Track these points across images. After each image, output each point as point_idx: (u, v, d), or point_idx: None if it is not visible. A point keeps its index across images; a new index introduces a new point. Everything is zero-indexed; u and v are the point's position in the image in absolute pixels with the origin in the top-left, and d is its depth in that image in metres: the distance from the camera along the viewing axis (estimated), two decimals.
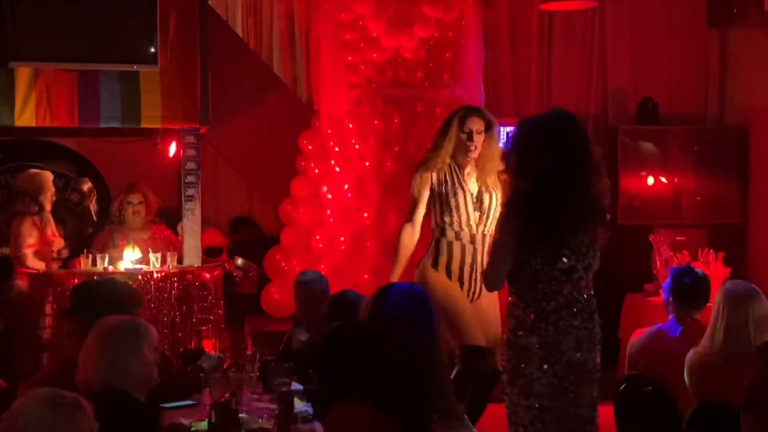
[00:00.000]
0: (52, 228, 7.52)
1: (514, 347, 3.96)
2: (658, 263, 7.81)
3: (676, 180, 9.17)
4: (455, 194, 5.83)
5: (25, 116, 7.29)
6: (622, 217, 9.00)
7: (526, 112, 9.41)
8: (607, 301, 8.49)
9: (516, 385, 3.94)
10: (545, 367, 3.85)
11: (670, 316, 4.81)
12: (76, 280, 7.01)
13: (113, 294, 4.11)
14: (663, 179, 9.11)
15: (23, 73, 7.24)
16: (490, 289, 4.41)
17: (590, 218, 3.94)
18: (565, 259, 3.90)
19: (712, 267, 7.36)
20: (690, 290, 4.74)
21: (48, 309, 7.05)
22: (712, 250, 7.61)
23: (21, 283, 7.15)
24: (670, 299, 4.78)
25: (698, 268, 6.24)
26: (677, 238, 8.20)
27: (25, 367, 6.71)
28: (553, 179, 3.86)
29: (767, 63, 8.57)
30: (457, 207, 5.80)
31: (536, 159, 3.91)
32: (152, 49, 7.20)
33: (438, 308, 4.76)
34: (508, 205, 4.07)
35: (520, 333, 3.95)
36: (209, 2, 7.95)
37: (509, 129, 9.07)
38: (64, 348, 5.73)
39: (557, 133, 3.94)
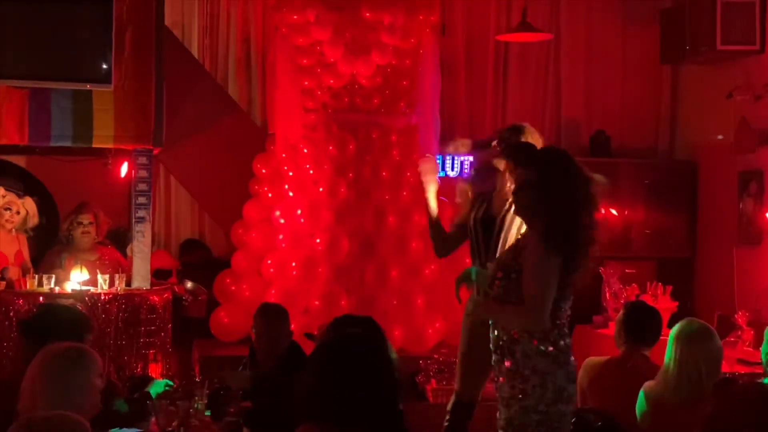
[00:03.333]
0: None
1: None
2: (607, 295, 7.86)
3: (626, 212, 9.26)
4: None
5: None
6: None
7: (480, 139, 9.46)
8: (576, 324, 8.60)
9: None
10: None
11: (621, 350, 4.82)
12: (21, 301, 6.91)
13: (72, 320, 4.05)
14: (614, 211, 9.18)
15: None
16: (537, 327, 3.99)
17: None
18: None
19: (661, 300, 7.41)
20: (643, 325, 4.76)
21: None
22: (660, 284, 7.67)
23: None
24: (622, 333, 4.80)
25: (646, 300, 6.30)
26: (626, 270, 8.27)
27: None
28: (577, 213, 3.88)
29: (718, 99, 8.70)
30: None
31: (571, 190, 3.88)
32: (106, 68, 7.12)
33: None
34: (552, 229, 3.90)
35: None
36: (166, 23, 7.89)
37: (463, 158, 9.14)
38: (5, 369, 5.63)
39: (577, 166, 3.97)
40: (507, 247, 4.43)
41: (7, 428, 2.80)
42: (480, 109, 9.58)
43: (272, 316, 5.25)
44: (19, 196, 7.67)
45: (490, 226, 5.29)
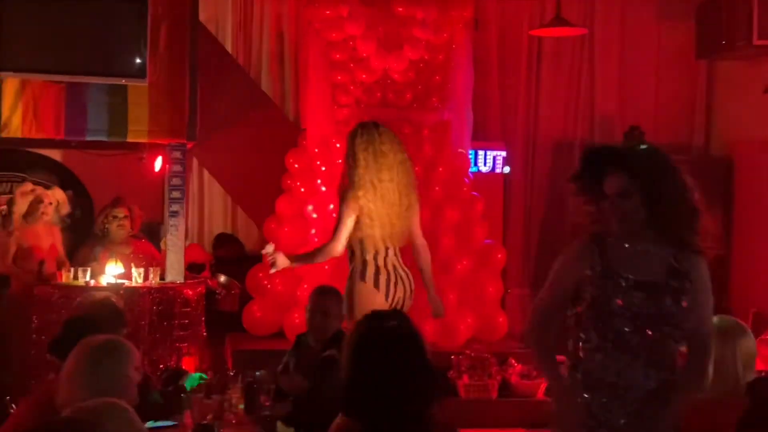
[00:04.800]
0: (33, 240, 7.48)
1: None
2: None
3: None
4: None
5: (11, 127, 7.23)
6: None
7: (512, 136, 9.46)
8: None
9: None
10: None
11: None
12: (57, 294, 6.97)
13: (106, 314, 4.08)
14: None
15: (10, 84, 7.19)
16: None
17: None
18: None
19: None
20: None
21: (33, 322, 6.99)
22: None
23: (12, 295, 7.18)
24: None
25: None
26: None
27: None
28: None
29: (754, 95, 8.62)
30: None
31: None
32: (141, 63, 7.16)
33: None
34: None
35: None
36: (200, 18, 7.93)
37: (495, 153, 9.13)
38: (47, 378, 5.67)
39: None
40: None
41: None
42: (512, 104, 9.56)
43: (327, 293, 5.27)
44: (48, 187, 7.74)
45: None
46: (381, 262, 5.82)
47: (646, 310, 3.42)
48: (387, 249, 5.86)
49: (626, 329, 3.41)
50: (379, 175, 5.78)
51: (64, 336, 4.04)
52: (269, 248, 5.91)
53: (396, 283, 5.86)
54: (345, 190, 5.80)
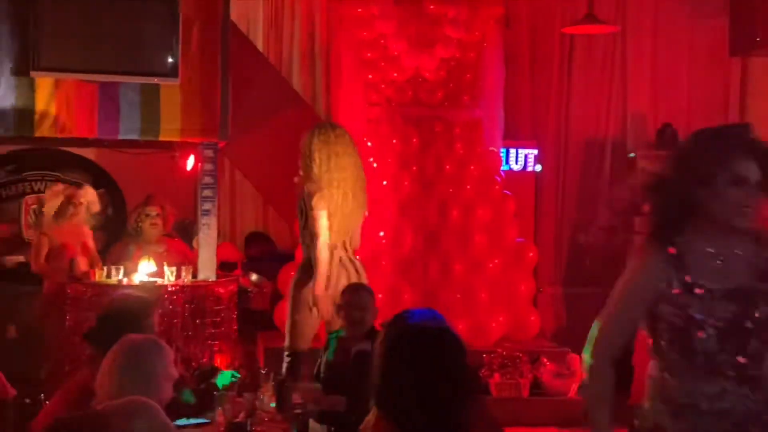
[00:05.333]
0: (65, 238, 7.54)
1: None
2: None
3: None
4: None
5: (45, 126, 7.28)
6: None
7: (543, 134, 9.43)
8: None
9: None
10: None
11: None
12: (90, 292, 7.01)
13: (139, 310, 4.09)
14: None
15: (44, 83, 7.24)
16: None
17: None
18: None
19: None
20: None
21: (66, 320, 7.05)
22: None
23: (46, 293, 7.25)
24: None
25: None
26: None
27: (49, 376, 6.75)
28: None
29: None
30: None
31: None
32: (173, 63, 7.20)
33: None
34: None
35: None
36: (231, 17, 7.95)
37: (526, 151, 9.10)
38: (84, 361, 5.72)
39: None
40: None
41: None
42: (544, 102, 9.52)
43: (363, 289, 5.39)
44: (79, 186, 7.80)
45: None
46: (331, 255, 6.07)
47: (737, 323, 3.00)
48: (337, 243, 6.12)
49: (715, 347, 3.00)
50: (335, 174, 6.05)
51: (100, 325, 4.07)
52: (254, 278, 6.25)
53: (339, 274, 6.08)
54: (310, 188, 6.05)
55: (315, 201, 6.00)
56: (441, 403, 2.51)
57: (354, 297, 5.29)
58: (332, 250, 6.08)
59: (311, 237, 6.08)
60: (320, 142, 6.14)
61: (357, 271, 6.20)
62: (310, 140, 6.17)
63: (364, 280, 6.12)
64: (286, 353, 6.24)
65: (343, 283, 6.00)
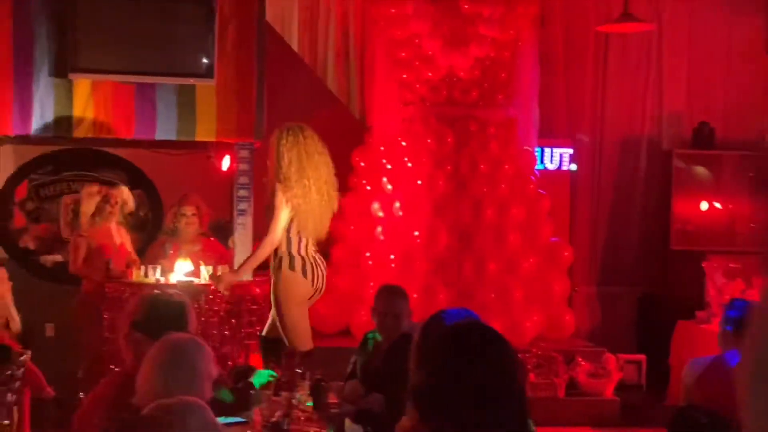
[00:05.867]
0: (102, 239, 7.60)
1: None
2: (711, 290, 7.71)
3: (730, 206, 9.07)
4: None
5: (83, 127, 7.36)
6: (675, 242, 8.93)
7: (579, 133, 9.38)
8: (658, 328, 8.49)
9: None
10: None
11: (727, 349, 4.71)
12: (128, 292, 7.07)
13: (179, 311, 4.12)
14: (717, 204, 9.01)
15: (82, 85, 7.32)
16: None
17: None
18: None
19: None
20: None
21: (104, 319, 7.11)
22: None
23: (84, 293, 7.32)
24: (730, 330, 4.68)
25: (752, 296, 6.15)
26: (731, 264, 8.10)
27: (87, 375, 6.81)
28: None
29: None
30: None
31: None
32: (209, 63, 7.25)
33: None
34: None
35: None
36: (267, 18, 7.98)
37: (561, 150, 9.07)
38: (122, 360, 5.77)
39: None
40: None
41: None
42: (579, 101, 9.48)
43: (397, 293, 5.33)
44: (114, 187, 7.85)
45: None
46: (304, 253, 6.23)
47: None
48: (308, 240, 6.30)
49: None
50: (306, 173, 6.23)
51: (147, 311, 4.10)
52: (220, 270, 6.67)
53: (315, 271, 6.24)
54: (276, 188, 6.21)
55: (278, 200, 6.16)
56: (477, 406, 2.48)
57: (388, 303, 5.27)
58: (307, 247, 6.24)
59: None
60: (289, 142, 6.27)
61: (324, 269, 6.36)
62: (279, 141, 6.32)
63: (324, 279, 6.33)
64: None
65: (320, 281, 6.23)
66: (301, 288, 6.19)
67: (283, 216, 6.19)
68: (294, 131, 6.36)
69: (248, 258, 6.56)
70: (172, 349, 3.45)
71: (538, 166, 8.93)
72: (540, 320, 8.23)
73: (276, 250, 6.29)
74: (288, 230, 6.21)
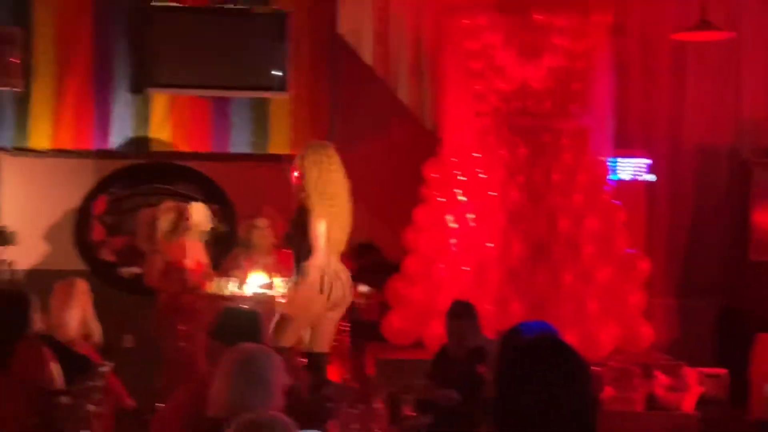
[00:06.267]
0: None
1: None
2: None
3: None
4: None
5: (160, 141, 7.49)
6: (754, 253, 8.75)
7: (655, 144, 9.25)
8: (737, 341, 8.32)
9: None
10: None
11: None
12: (203, 303, 7.15)
13: (253, 322, 4.16)
14: None
15: (159, 100, 7.45)
16: None
17: None
18: None
19: None
20: None
21: (180, 330, 7.21)
22: None
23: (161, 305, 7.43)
24: None
25: None
26: None
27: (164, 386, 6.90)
28: None
29: None
30: None
31: None
32: (283, 77, 7.33)
33: None
34: None
35: None
36: (339, 30, 8.03)
37: (637, 161, 8.96)
38: (198, 370, 5.86)
39: None
40: None
41: None
42: (655, 111, 9.32)
43: (460, 315, 5.36)
44: (189, 202, 7.94)
45: None
46: (324, 266, 6.55)
47: None
48: (332, 254, 6.63)
49: None
50: (329, 190, 6.58)
51: (222, 321, 4.15)
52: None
53: (334, 284, 6.56)
54: (306, 207, 6.55)
55: (313, 218, 6.48)
56: (569, 416, 2.47)
57: (450, 325, 5.32)
58: (328, 260, 6.58)
59: (307, 249, 6.54)
60: (312, 162, 6.59)
61: (345, 279, 6.68)
62: (303, 160, 6.62)
63: (349, 289, 6.71)
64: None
65: (338, 292, 6.54)
66: (314, 301, 6.55)
67: (321, 232, 6.48)
68: (317, 150, 6.69)
69: (296, 285, 6.70)
70: (247, 361, 3.46)
71: (613, 177, 8.83)
72: (616, 333, 8.12)
73: (298, 260, 6.62)
74: (310, 243, 6.50)
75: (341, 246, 6.71)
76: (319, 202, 6.51)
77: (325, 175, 6.58)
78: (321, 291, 6.50)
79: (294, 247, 6.72)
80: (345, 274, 6.72)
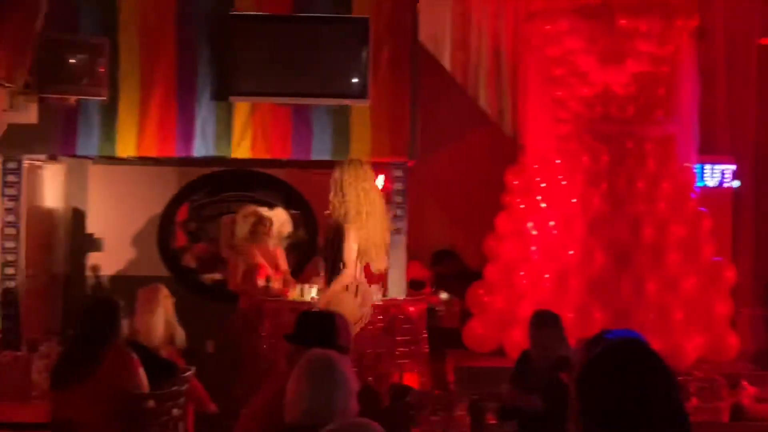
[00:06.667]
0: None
1: None
2: None
3: None
4: None
5: (242, 149, 7.56)
6: None
7: (743, 149, 9.05)
8: None
9: None
10: None
11: None
12: (284, 309, 7.19)
13: (331, 326, 4.16)
14: None
15: (241, 108, 7.51)
16: None
17: None
18: None
19: None
20: None
21: (261, 335, 7.26)
22: None
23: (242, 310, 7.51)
24: None
25: None
26: None
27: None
28: None
29: None
30: None
31: None
32: (363, 84, 7.33)
33: None
34: None
35: None
36: (419, 37, 8.02)
37: (723, 167, 8.79)
38: (280, 373, 5.88)
39: None
40: None
41: None
42: (742, 116, 9.13)
43: (543, 324, 5.30)
44: (271, 208, 8.00)
45: None
46: (356, 277, 6.88)
47: None
48: (360, 267, 6.93)
49: None
50: (364, 207, 6.87)
51: (301, 325, 4.16)
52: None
53: (343, 297, 6.79)
54: (340, 222, 6.87)
55: (347, 234, 6.79)
56: (651, 421, 2.42)
57: (533, 335, 5.27)
58: (356, 273, 6.89)
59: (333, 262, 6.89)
60: (350, 178, 6.92)
61: (360, 294, 6.89)
62: (341, 177, 6.95)
63: (367, 303, 6.88)
64: None
65: (348, 304, 6.68)
66: (353, 307, 6.74)
67: (354, 250, 6.82)
68: (354, 168, 7.01)
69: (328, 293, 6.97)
70: (326, 367, 3.45)
71: (699, 183, 8.67)
72: (702, 342, 7.97)
73: (332, 271, 6.92)
74: (348, 257, 6.82)
75: (379, 262, 7.04)
76: (355, 219, 6.81)
77: (363, 194, 6.90)
78: (356, 296, 6.84)
79: (328, 261, 7.00)
80: (359, 288, 6.94)
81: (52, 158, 8.46)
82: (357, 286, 6.85)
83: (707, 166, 8.80)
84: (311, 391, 3.43)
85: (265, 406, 3.95)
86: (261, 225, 7.79)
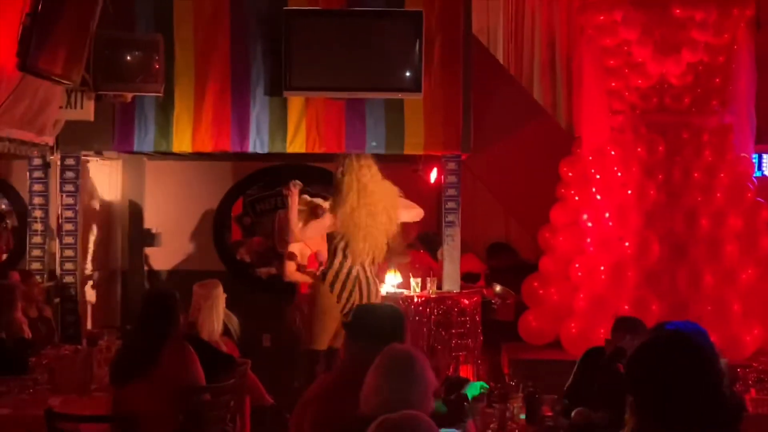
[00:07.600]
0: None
1: None
2: None
3: None
4: None
5: (296, 143, 7.61)
6: None
7: None
8: None
9: None
10: None
11: None
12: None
13: (391, 320, 4.17)
14: None
15: (295, 102, 7.56)
16: None
17: None
18: None
19: None
20: None
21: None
22: None
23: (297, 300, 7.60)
24: None
25: None
26: None
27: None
28: None
29: None
30: None
31: None
32: (417, 78, 7.34)
33: None
34: None
35: None
36: (472, 30, 8.00)
37: None
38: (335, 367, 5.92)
39: None
40: None
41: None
42: None
43: (618, 329, 5.21)
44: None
45: None
46: (346, 271, 6.91)
47: None
48: (357, 260, 6.91)
49: None
50: (362, 200, 6.85)
51: (359, 318, 4.18)
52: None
53: (353, 290, 6.89)
54: (335, 214, 6.97)
55: (326, 218, 6.95)
56: (696, 425, 2.42)
57: (613, 336, 5.20)
58: (351, 267, 6.89)
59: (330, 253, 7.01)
60: (346, 173, 6.91)
61: (369, 287, 6.94)
62: (342, 173, 6.96)
63: (374, 295, 6.94)
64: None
65: (356, 298, 6.81)
66: (325, 299, 6.90)
67: (315, 229, 7.08)
68: (350, 162, 6.96)
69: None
70: (400, 361, 3.47)
71: (756, 174, 8.56)
72: (760, 334, 7.87)
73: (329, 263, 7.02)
74: (341, 247, 6.90)
75: (367, 256, 6.94)
76: (350, 213, 6.84)
77: (362, 189, 6.89)
78: (332, 290, 6.90)
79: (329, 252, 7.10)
80: (368, 280, 6.96)
81: (109, 155, 8.58)
82: (337, 280, 6.92)
83: (765, 156, 8.69)
84: (389, 385, 3.45)
85: (321, 393, 3.97)
86: (314, 217, 7.83)
